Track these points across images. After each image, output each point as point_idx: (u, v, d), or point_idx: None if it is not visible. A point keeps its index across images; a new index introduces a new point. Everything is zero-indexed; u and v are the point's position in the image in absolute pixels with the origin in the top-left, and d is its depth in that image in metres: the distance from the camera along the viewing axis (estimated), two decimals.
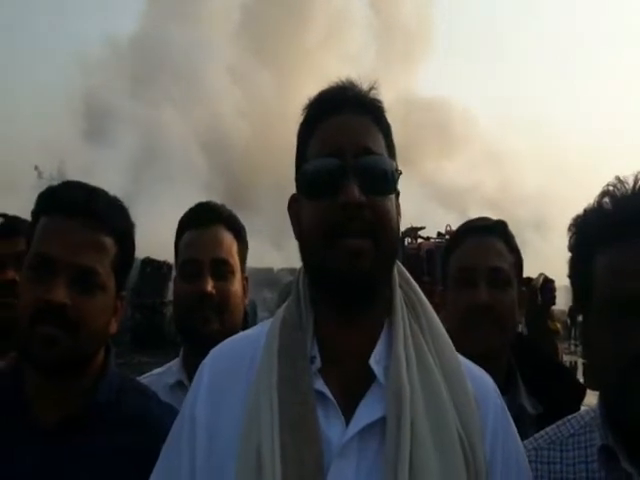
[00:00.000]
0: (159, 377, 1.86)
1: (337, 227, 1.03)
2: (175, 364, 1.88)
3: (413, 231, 20.46)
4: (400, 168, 1.12)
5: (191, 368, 1.53)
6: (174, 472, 1.08)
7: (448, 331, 1.72)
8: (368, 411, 1.03)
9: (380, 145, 1.10)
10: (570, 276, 1.25)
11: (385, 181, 1.08)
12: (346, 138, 1.07)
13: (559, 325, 8.14)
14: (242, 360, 1.10)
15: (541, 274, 7.88)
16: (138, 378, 1.76)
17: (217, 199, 2.03)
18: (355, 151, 1.07)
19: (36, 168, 31.35)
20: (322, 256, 1.05)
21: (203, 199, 1.94)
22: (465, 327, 1.63)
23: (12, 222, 2.15)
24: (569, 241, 1.24)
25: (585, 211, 1.22)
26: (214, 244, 1.80)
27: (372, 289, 1.07)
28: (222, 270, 1.79)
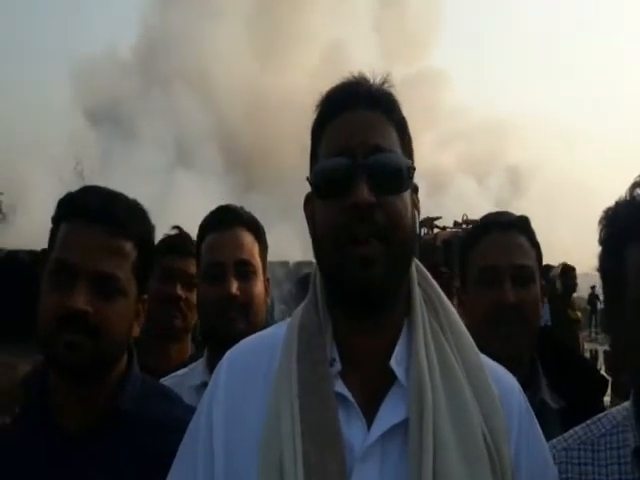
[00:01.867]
0: (183, 378, 1.87)
1: (347, 230, 1.01)
2: (199, 365, 1.89)
3: (429, 221, 20.29)
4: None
5: None
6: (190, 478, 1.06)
7: (468, 328, 1.70)
8: (390, 413, 1.01)
9: (392, 141, 1.07)
10: (600, 269, 1.23)
11: (397, 179, 1.05)
12: (356, 136, 1.05)
13: (579, 314, 8.08)
14: (259, 364, 1.08)
15: (561, 263, 7.82)
16: (162, 379, 1.78)
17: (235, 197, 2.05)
18: (365, 149, 1.04)
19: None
20: (334, 263, 1.03)
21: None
22: (490, 327, 1.61)
23: (187, 240, 2.26)
24: (599, 234, 1.21)
25: (617, 203, 1.19)
26: (236, 246, 1.83)
27: (387, 296, 1.05)
28: (245, 271, 1.82)
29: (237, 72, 36.71)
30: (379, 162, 1.04)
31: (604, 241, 1.20)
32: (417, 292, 1.10)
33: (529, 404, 1.13)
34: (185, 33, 37.46)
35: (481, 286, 1.65)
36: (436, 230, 20.19)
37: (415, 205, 1.10)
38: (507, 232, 1.67)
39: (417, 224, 1.10)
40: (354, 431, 1.00)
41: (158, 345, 2.28)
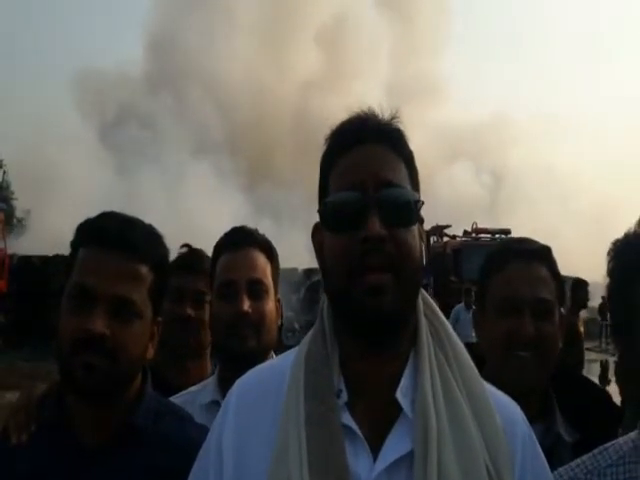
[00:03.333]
0: (194, 396, 1.90)
1: (359, 261, 1.04)
2: (210, 383, 1.92)
3: (438, 229, 20.19)
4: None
5: (226, 387, 1.57)
6: None
7: (485, 353, 1.64)
8: (395, 445, 1.03)
9: (402, 175, 1.10)
10: (609, 301, 1.23)
11: (406, 213, 1.08)
12: (367, 171, 1.08)
13: (582, 328, 8.06)
14: (268, 392, 1.10)
15: (572, 278, 7.80)
16: (174, 396, 1.81)
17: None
18: (376, 184, 1.07)
19: None
20: (345, 291, 1.05)
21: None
22: (506, 356, 1.61)
23: (195, 258, 2.29)
24: (608, 265, 1.21)
25: (626, 236, 1.19)
26: (249, 265, 1.87)
27: (396, 323, 1.07)
28: (257, 290, 1.85)
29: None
30: (390, 196, 1.07)
31: (612, 273, 1.20)
32: (423, 323, 1.12)
33: (533, 433, 1.14)
34: (189, 32, 37.57)
35: (501, 315, 1.64)
36: (445, 239, 20.15)
37: (422, 236, 1.12)
38: (529, 262, 1.66)
39: (424, 255, 1.13)
40: (360, 463, 1.02)
41: (176, 363, 2.31)
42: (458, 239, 19.51)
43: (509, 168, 38.36)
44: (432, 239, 20.50)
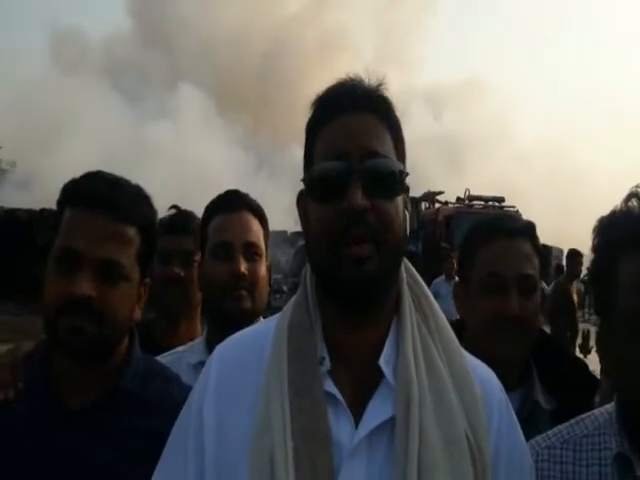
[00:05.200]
0: (182, 355, 1.91)
1: (342, 232, 1.04)
2: (198, 343, 1.93)
3: (430, 195, 19.94)
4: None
5: (214, 348, 1.58)
6: (180, 476, 1.08)
7: (469, 326, 1.66)
8: (377, 412, 1.05)
9: (387, 145, 1.09)
10: (591, 278, 1.25)
11: (390, 184, 1.08)
12: (352, 141, 1.07)
13: (575, 298, 8.18)
14: (250, 357, 1.11)
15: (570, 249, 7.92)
16: (162, 355, 1.82)
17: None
18: (361, 154, 1.06)
19: None
20: (328, 262, 1.06)
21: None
22: (490, 332, 1.64)
23: (183, 219, 2.27)
24: (592, 242, 1.22)
25: (613, 213, 1.20)
26: (245, 228, 1.87)
27: (378, 293, 1.08)
28: (252, 253, 1.86)
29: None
30: (374, 167, 1.06)
31: (596, 249, 1.21)
32: (406, 292, 1.13)
33: (511, 402, 1.16)
34: None
35: (486, 291, 1.67)
36: (437, 205, 19.88)
37: (406, 206, 1.12)
38: (514, 239, 1.69)
39: (407, 225, 1.13)
40: (342, 429, 1.04)
41: (167, 323, 2.32)
42: (450, 206, 19.12)
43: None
44: (424, 205, 20.31)
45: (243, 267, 1.81)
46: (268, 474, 0.99)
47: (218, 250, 1.86)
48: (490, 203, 18.32)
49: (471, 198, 18.83)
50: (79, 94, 30.51)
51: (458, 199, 19.13)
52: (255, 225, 1.89)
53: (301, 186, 1.14)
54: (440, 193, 20.08)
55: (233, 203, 1.90)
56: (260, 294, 1.86)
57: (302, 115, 1.13)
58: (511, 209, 17.45)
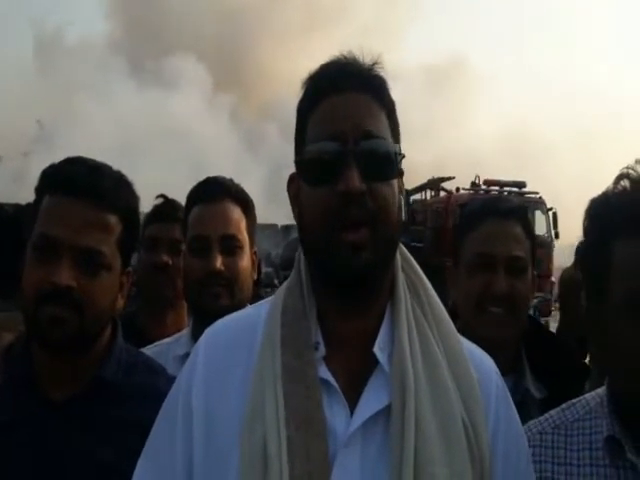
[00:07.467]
0: (168, 347, 1.89)
1: (337, 216, 1.01)
2: (185, 335, 1.90)
3: (436, 182, 18.32)
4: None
5: None
6: (167, 461, 1.06)
7: (459, 307, 1.64)
8: (372, 400, 1.02)
9: (382, 126, 1.05)
10: (583, 261, 1.22)
11: (387, 166, 1.04)
12: (347, 121, 1.02)
13: None
14: (239, 346, 1.08)
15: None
16: (147, 347, 1.79)
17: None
18: (356, 135, 1.02)
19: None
20: (323, 248, 1.02)
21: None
22: (479, 311, 1.64)
23: (170, 207, 2.25)
24: (584, 224, 1.20)
25: (606, 195, 1.17)
26: (223, 220, 1.81)
27: (373, 279, 1.05)
28: (231, 246, 1.80)
29: None
30: (370, 149, 1.02)
31: (589, 233, 1.18)
32: (401, 277, 1.10)
33: (506, 387, 1.14)
34: None
35: (475, 270, 1.67)
36: (442, 193, 18.27)
37: (401, 190, 1.09)
38: (505, 220, 1.68)
39: (403, 208, 1.10)
40: (337, 417, 1.01)
41: (153, 313, 2.30)
42: (465, 192, 16.84)
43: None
44: (428, 194, 18.79)
45: (219, 263, 1.76)
46: (261, 463, 0.96)
47: (194, 244, 1.82)
48: (508, 188, 16.54)
49: (488, 183, 17.05)
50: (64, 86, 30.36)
51: (473, 184, 17.37)
52: (236, 214, 1.83)
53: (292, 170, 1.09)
54: (450, 179, 18.16)
55: (212, 192, 1.84)
56: (240, 288, 1.81)
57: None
58: (533, 195, 16.27)
